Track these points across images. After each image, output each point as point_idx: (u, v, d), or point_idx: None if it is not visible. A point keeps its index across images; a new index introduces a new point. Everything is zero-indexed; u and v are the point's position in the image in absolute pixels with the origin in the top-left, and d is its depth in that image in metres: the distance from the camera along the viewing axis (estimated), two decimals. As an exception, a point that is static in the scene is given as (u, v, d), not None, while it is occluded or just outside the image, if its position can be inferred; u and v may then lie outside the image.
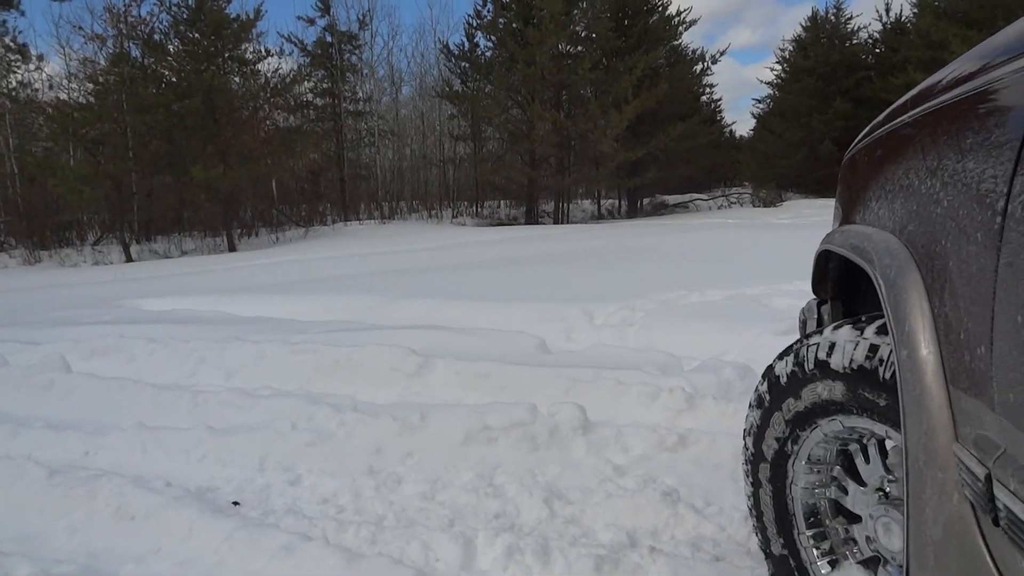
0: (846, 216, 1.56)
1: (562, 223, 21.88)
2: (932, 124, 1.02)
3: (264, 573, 2.00)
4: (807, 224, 12.86)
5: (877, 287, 1.11)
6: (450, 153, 27.96)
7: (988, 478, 0.77)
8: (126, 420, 3.44)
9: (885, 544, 1.44)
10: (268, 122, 20.05)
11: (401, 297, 6.20)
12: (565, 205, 23.46)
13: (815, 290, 1.83)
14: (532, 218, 22.39)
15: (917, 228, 1.03)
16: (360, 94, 27.66)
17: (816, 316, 1.83)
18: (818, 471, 1.63)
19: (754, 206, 24.29)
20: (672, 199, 27.97)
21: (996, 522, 0.77)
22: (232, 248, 17.58)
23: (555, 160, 21.78)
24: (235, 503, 2.61)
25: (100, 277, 11.82)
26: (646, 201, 26.76)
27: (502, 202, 26.53)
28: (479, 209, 26.54)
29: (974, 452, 0.82)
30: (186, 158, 16.26)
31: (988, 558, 0.82)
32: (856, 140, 1.56)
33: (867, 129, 1.47)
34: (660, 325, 4.64)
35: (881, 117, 1.37)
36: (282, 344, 4.45)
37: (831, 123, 25.77)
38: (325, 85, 26.13)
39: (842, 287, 1.75)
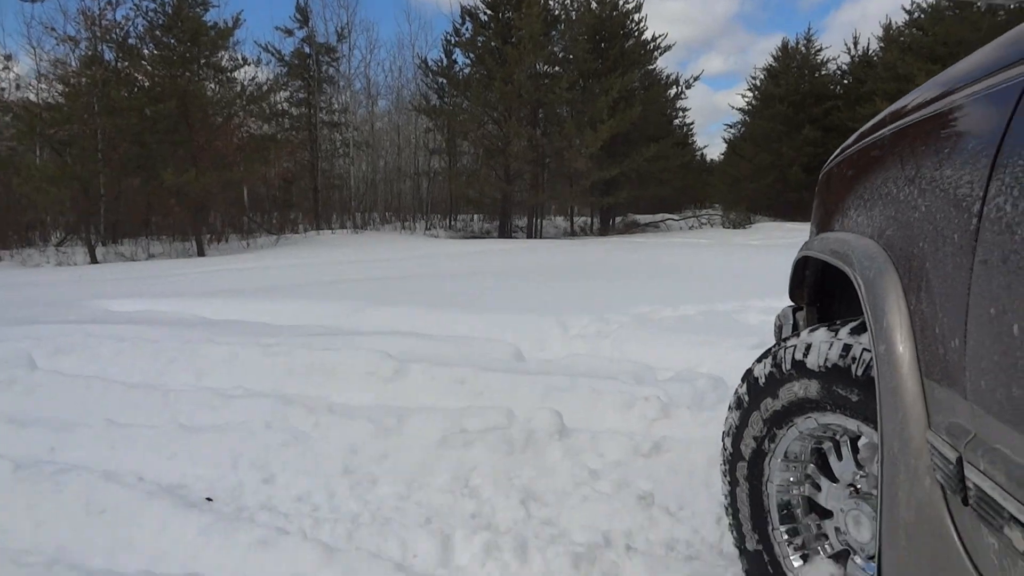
0: (822, 228, 1.61)
1: (535, 238, 22.01)
2: (912, 136, 1.08)
3: (242, 567, 1.97)
4: (777, 245, 13.12)
5: (857, 287, 1.15)
6: (424, 167, 27.97)
7: (959, 461, 0.81)
8: (93, 417, 3.38)
9: (854, 536, 1.49)
10: (242, 129, 19.89)
11: (375, 304, 6.18)
12: (539, 221, 23.62)
13: (792, 296, 1.89)
14: (505, 232, 22.49)
15: (895, 232, 1.09)
16: (336, 105, 27.62)
17: (792, 322, 1.90)
18: (793, 468, 1.68)
19: (724, 227, 24.71)
20: (643, 218, 28.30)
21: (965, 501, 0.81)
22: (201, 253, 17.33)
23: (529, 176, 21.94)
24: (208, 499, 2.58)
25: (64, 278, 11.55)
26: (618, 219, 27.03)
27: (476, 216, 26.60)
28: (452, 222, 26.56)
29: (946, 438, 0.86)
30: (157, 162, 16.04)
31: (955, 536, 0.87)
32: (833, 155, 1.62)
33: (845, 144, 1.53)
34: (634, 337, 4.69)
35: (858, 133, 1.43)
36: (254, 346, 4.41)
37: (800, 149, 26.37)
38: (301, 95, 26.04)
39: (817, 294, 1.80)
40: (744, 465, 1.76)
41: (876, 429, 1.26)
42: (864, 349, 1.31)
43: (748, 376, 1.73)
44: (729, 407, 1.83)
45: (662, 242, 16.45)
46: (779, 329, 1.98)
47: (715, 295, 5.97)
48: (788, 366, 1.55)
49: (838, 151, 1.57)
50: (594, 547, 2.11)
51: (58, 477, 2.54)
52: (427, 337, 4.74)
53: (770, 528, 1.72)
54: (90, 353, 4.64)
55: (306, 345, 4.38)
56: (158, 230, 19.32)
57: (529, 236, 22.66)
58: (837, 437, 1.57)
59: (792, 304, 1.94)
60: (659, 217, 28.50)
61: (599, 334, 4.93)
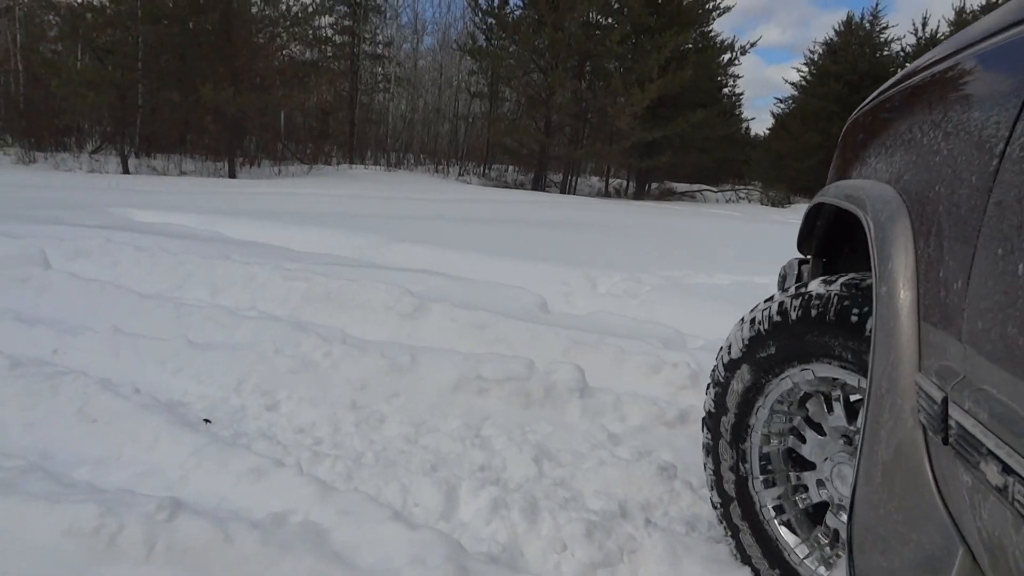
0: (840, 176, 1.59)
1: (569, 195, 21.63)
2: (944, 80, 1.06)
3: (230, 495, 1.84)
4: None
5: (867, 230, 1.14)
6: (464, 110, 27.48)
7: (945, 401, 0.82)
8: (101, 323, 3.27)
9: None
10: (284, 52, 19.58)
11: (402, 241, 6.01)
12: (574, 178, 23.15)
13: (800, 247, 1.85)
14: (539, 186, 22.08)
15: (913, 177, 1.08)
16: (380, 37, 27.07)
17: (796, 273, 1.86)
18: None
19: (762, 204, 24.08)
20: (680, 187, 27.66)
21: (946, 440, 0.82)
22: (232, 175, 17.25)
23: (570, 130, 21.42)
24: (206, 420, 2.46)
25: (94, 184, 11.53)
26: (654, 185, 26.45)
27: (510, 167, 26.16)
28: (487, 170, 26.18)
29: (935, 380, 0.87)
30: (196, 77, 15.82)
31: (930, 475, 0.90)
32: (861, 105, 1.60)
33: (874, 94, 1.51)
34: (665, 300, 4.48)
35: (888, 83, 1.42)
36: (274, 269, 4.27)
37: (850, 131, 25.35)
38: (346, 23, 25.51)
39: (826, 246, 1.78)
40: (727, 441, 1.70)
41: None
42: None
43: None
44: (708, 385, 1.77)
45: (699, 211, 16.06)
46: (783, 279, 1.94)
47: (753, 266, 5.71)
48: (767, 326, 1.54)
49: (869, 98, 1.54)
50: (609, 516, 1.95)
51: (55, 380, 2.43)
52: (451, 278, 4.57)
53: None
54: (108, 259, 4.55)
55: (326, 273, 4.24)
56: (192, 148, 19.23)
57: (563, 192, 22.24)
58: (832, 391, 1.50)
59: (799, 257, 1.90)
60: (696, 187, 27.81)
61: (628, 293, 4.72)
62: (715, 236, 8.73)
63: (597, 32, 20.54)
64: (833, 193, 1.49)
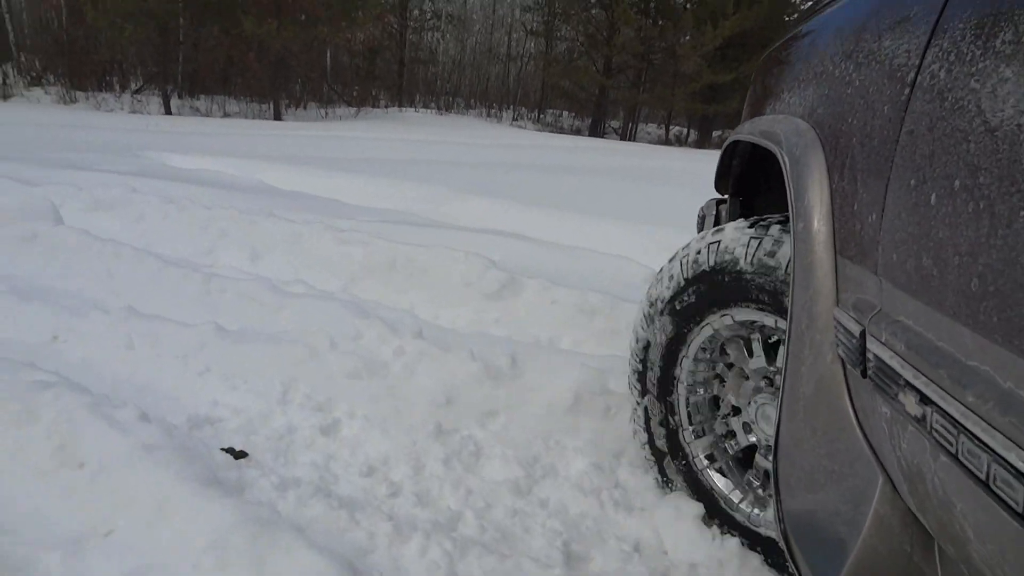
0: (755, 113, 1.50)
1: (629, 141, 20.40)
2: (855, 11, 1.02)
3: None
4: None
5: (782, 165, 1.10)
6: (517, 51, 26.16)
7: (863, 334, 0.81)
8: (114, 299, 2.61)
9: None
10: (331, -16, 18.53)
11: (468, 193, 5.21)
12: (634, 124, 21.82)
13: (717, 187, 1.81)
14: (597, 132, 20.88)
15: (826, 110, 1.04)
16: (429, -31, 25.73)
17: (715, 213, 1.83)
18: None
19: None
20: (744, 135, 26.05)
21: (864, 374, 0.81)
22: (278, 117, 16.58)
23: (632, 72, 20.04)
24: (240, 455, 1.75)
25: (132, 125, 10.94)
26: (716, 133, 24.95)
27: (565, 112, 24.89)
28: (540, 115, 24.96)
29: (852, 314, 0.86)
30: (238, 10, 14.99)
31: (850, 408, 0.89)
32: (776, 42, 1.53)
33: (790, 29, 1.46)
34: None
35: (803, 15, 1.39)
36: (325, 229, 3.53)
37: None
38: (394, -47, 24.24)
39: (743, 185, 1.73)
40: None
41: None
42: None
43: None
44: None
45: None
46: (701, 220, 1.91)
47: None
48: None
49: (785, 35, 1.48)
50: None
51: (36, 395, 1.72)
52: (536, 242, 3.77)
53: None
54: (132, 212, 3.88)
55: (386, 235, 3.48)
56: (237, 90, 18.57)
57: (623, 139, 21.01)
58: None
59: (717, 197, 1.85)
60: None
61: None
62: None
63: (664, -37, 19.00)
64: (748, 130, 1.44)
